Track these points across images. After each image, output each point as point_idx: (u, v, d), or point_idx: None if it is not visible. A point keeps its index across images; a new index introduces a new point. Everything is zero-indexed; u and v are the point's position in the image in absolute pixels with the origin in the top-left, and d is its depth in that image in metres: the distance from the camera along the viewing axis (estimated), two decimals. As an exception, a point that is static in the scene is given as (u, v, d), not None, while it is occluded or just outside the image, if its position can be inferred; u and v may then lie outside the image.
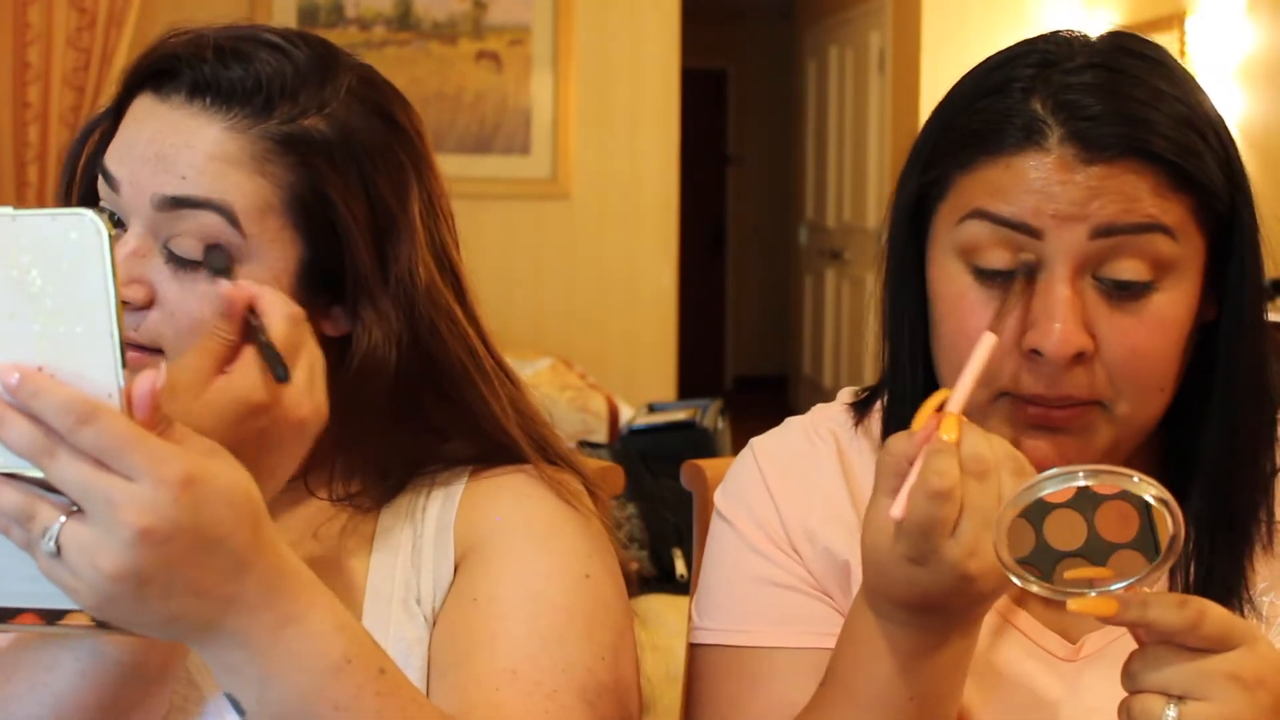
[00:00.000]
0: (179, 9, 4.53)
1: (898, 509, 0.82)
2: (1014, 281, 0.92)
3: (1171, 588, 0.98)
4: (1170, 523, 0.79)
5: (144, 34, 4.83)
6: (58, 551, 0.70)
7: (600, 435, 4.51)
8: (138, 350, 0.94)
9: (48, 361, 0.70)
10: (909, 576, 0.84)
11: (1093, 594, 0.80)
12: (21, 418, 0.69)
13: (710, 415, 4.00)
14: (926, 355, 1.00)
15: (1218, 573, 0.97)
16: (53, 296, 0.70)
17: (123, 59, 4.86)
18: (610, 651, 0.97)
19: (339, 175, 0.96)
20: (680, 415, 4.02)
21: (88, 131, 1.02)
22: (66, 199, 1.03)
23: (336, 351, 0.98)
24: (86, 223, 0.69)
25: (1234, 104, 5.16)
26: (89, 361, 0.70)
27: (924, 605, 0.85)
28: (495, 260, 5.39)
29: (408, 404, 1.01)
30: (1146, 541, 0.79)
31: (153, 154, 0.94)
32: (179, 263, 0.94)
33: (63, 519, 0.70)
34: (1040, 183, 0.91)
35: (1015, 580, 0.81)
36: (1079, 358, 0.91)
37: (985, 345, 0.88)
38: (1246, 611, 0.97)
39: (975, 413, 0.93)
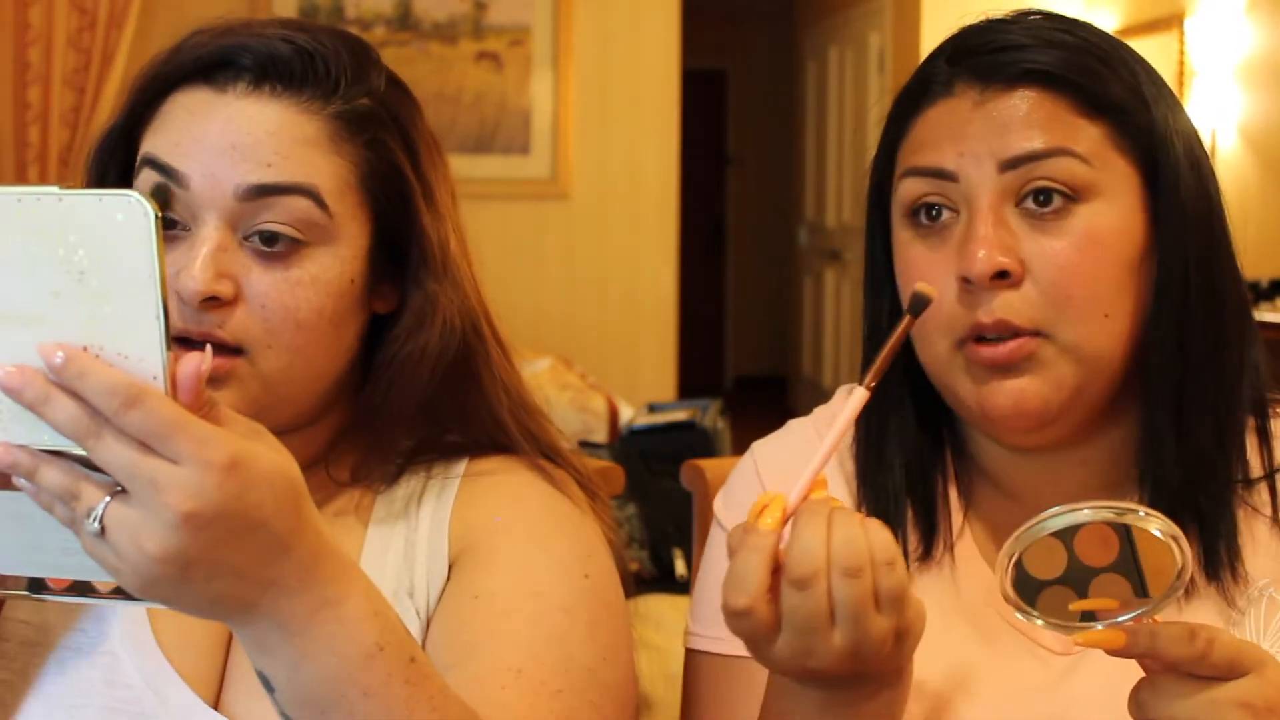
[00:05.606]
0: (179, 9, 4.53)
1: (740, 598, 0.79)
2: (944, 231, 0.95)
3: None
4: (1179, 556, 0.78)
5: (144, 34, 4.83)
6: (102, 531, 0.70)
7: (600, 435, 4.52)
8: (220, 351, 0.93)
9: (93, 342, 0.69)
10: (804, 666, 0.80)
11: (1100, 626, 0.79)
12: (67, 398, 0.69)
13: (710, 415, 4.00)
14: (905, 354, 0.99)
15: (1208, 524, 0.95)
16: (99, 277, 0.69)
17: (123, 59, 4.86)
18: (610, 651, 0.97)
19: (401, 150, 1.00)
20: (680, 415, 4.02)
21: (106, 143, 1.01)
22: None
23: (376, 329, 1.01)
24: (134, 204, 0.69)
25: (1234, 104, 5.15)
26: (134, 343, 0.70)
27: (835, 680, 0.82)
28: (495, 260, 5.36)
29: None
30: (1128, 564, 0.79)
31: (227, 145, 0.94)
32: (264, 254, 0.94)
33: (107, 499, 0.70)
34: (951, 127, 0.96)
35: (1020, 617, 0.80)
36: (1003, 277, 0.92)
37: (855, 400, 0.84)
38: (1237, 569, 0.94)
39: (940, 367, 0.96)
